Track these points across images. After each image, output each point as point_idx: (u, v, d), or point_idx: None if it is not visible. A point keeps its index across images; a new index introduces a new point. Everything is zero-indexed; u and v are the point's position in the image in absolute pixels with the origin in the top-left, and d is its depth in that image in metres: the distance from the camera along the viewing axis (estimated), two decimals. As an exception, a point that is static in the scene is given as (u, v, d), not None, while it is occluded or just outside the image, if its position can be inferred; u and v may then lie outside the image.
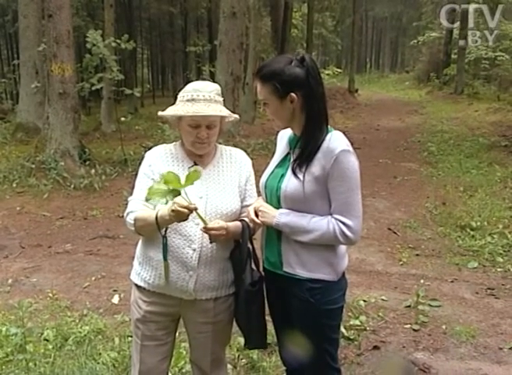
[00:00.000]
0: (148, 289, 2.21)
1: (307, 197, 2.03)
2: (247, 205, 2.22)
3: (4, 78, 21.28)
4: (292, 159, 2.11)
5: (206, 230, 2.04)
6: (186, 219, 1.98)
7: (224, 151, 2.30)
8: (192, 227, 2.10)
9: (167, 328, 2.29)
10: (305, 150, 2.06)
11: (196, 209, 1.95)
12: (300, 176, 2.03)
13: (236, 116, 2.25)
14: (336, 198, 2.02)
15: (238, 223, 2.17)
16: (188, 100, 2.11)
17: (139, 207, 2.15)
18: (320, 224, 2.03)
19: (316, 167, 2.02)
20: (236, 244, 2.20)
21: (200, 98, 2.09)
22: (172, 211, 1.94)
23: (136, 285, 2.27)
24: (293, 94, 2.02)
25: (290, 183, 2.05)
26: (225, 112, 2.14)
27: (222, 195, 2.17)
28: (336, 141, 2.03)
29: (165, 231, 2.10)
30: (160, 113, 2.21)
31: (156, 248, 2.15)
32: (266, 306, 2.29)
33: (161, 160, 2.20)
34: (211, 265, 2.14)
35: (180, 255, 2.11)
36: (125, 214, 2.21)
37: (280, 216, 2.07)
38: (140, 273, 2.23)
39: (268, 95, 2.07)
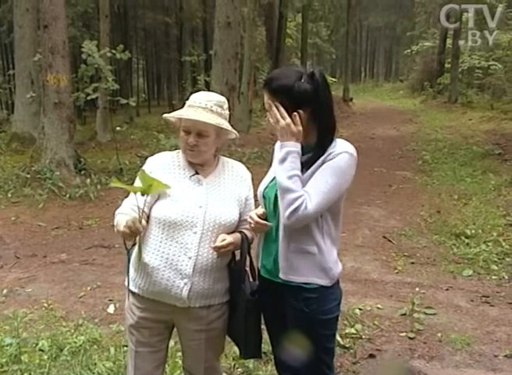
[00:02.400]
0: (142, 295, 2.22)
1: None
2: (246, 219, 2.23)
3: (-1, 88, 21.28)
4: None
5: (216, 249, 2.09)
6: (132, 237, 2.04)
7: (226, 163, 2.32)
8: (189, 236, 2.12)
9: (161, 335, 2.30)
10: (312, 156, 2.05)
11: (139, 234, 1.99)
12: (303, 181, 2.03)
13: (235, 132, 2.24)
14: (314, 185, 1.98)
15: (238, 235, 2.20)
16: (187, 105, 2.17)
17: (125, 210, 2.18)
18: (298, 182, 1.99)
19: (316, 166, 2.02)
20: (233, 255, 2.23)
21: (196, 104, 2.14)
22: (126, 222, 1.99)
23: (130, 291, 2.28)
24: (300, 111, 2.02)
25: None
26: (215, 120, 2.12)
27: (222, 206, 2.18)
28: (341, 145, 2.06)
29: (132, 245, 2.14)
30: (164, 115, 2.28)
31: (151, 255, 2.15)
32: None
33: (162, 168, 2.21)
34: (205, 273, 2.15)
35: (175, 262, 2.12)
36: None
37: (291, 145, 2.02)
38: (135, 280, 2.23)
39: None
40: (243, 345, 2.29)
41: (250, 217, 2.16)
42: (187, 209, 2.12)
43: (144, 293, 2.21)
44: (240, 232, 2.22)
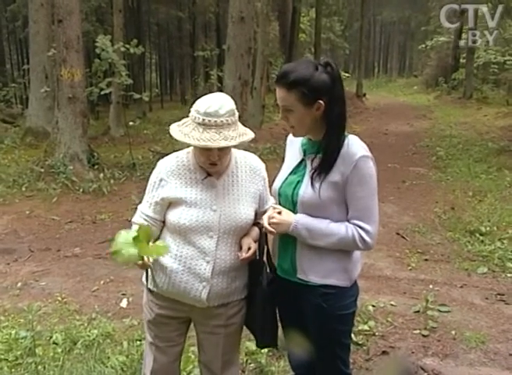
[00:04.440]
0: (161, 294, 2.22)
1: (325, 203, 2.02)
2: (264, 210, 2.21)
3: (14, 83, 21.49)
4: (309, 166, 2.08)
5: (243, 260, 2.11)
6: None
7: (239, 157, 2.24)
8: (206, 240, 2.10)
9: (179, 330, 2.32)
10: (327, 156, 2.03)
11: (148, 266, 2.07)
12: (319, 182, 2.01)
13: (251, 136, 2.10)
14: (355, 204, 2.02)
15: (256, 230, 2.20)
16: (199, 124, 2.00)
17: (140, 221, 2.20)
18: (338, 228, 2.02)
19: (335, 173, 2.00)
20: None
21: (212, 123, 1.98)
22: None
23: (148, 289, 2.28)
24: (320, 101, 1.99)
25: (308, 189, 2.03)
26: (236, 136, 2.02)
27: (237, 207, 2.14)
28: (353, 146, 2.03)
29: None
30: (172, 132, 2.09)
31: (169, 258, 2.14)
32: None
33: (172, 175, 2.15)
34: (224, 274, 2.14)
35: (194, 266, 2.11)
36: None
37: (297, 220, 2.04)
38: (153, 279, 2.22)
39: (294, 102, 2.00)
40: (260, 334, 2.30)
41: (262, 221, 2.12)
42: (201, 214, 2.09)
43: (162, 292, 2.21)
44: (258, 223, 2.21)
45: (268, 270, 2.23)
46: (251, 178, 2.23)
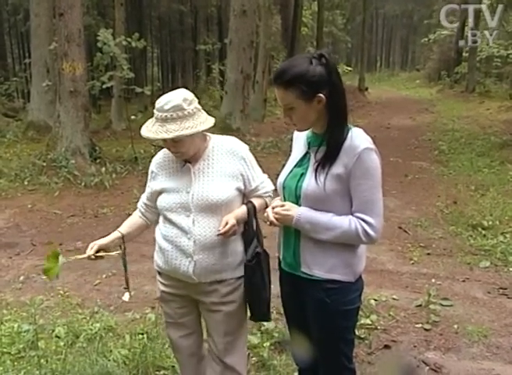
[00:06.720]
0: (163, 273, 2.45)
1: (329, 196, 2.01)
2: (254, 189, 2.36)
3: (15, 77, 21.46)
4: (313, 158, 2.08)
5: (222, 234, 2.18)
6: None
7: (216, 142, 2.37)
8: (184, 219, 2.28)
9: (183, 308, 2.47)
10: (331, 148, 2.02)
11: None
12: (323, 175, 2.00)
13: (199, 128, 2.19)
14: (358, 197, 2.01)
15: (244, 209, 2.31)
16: (154, 117, 2.24)
17: (138, 206, 2.56)
18: (341, 222, 2.01)
19: (338, 165, 1.99)
20: (246, 226, 2.32)
21: (158, 117, 2.20)
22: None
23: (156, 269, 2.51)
24: (320, 95, 1.97)
25: (312, 181, 2.03)
26: (178, 130, 2.14)
27: (209, 186, 2.27)
28: (357, 138, 2.01)
29: (124, 250, 2.47)
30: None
31: (161, 239, 2.38)
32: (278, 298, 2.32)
33: (159, 166, 2.42)
34: (209, 250, 2.26)
35: (178, 243, 2.29)
36: None
37: (300, 214, 2.04)
38: (155, 259, 2.47)
39: (294, 99, 1.99)
40: (251, 308, 2.37)
41: (267, 214, 2.13)
42: (178, 197, 2.30)
43: (162, 271, 2.44)
44: (249, 202, 2.34)
45: (257, 245, 2.28)
46: (228, 159, 2.33)
